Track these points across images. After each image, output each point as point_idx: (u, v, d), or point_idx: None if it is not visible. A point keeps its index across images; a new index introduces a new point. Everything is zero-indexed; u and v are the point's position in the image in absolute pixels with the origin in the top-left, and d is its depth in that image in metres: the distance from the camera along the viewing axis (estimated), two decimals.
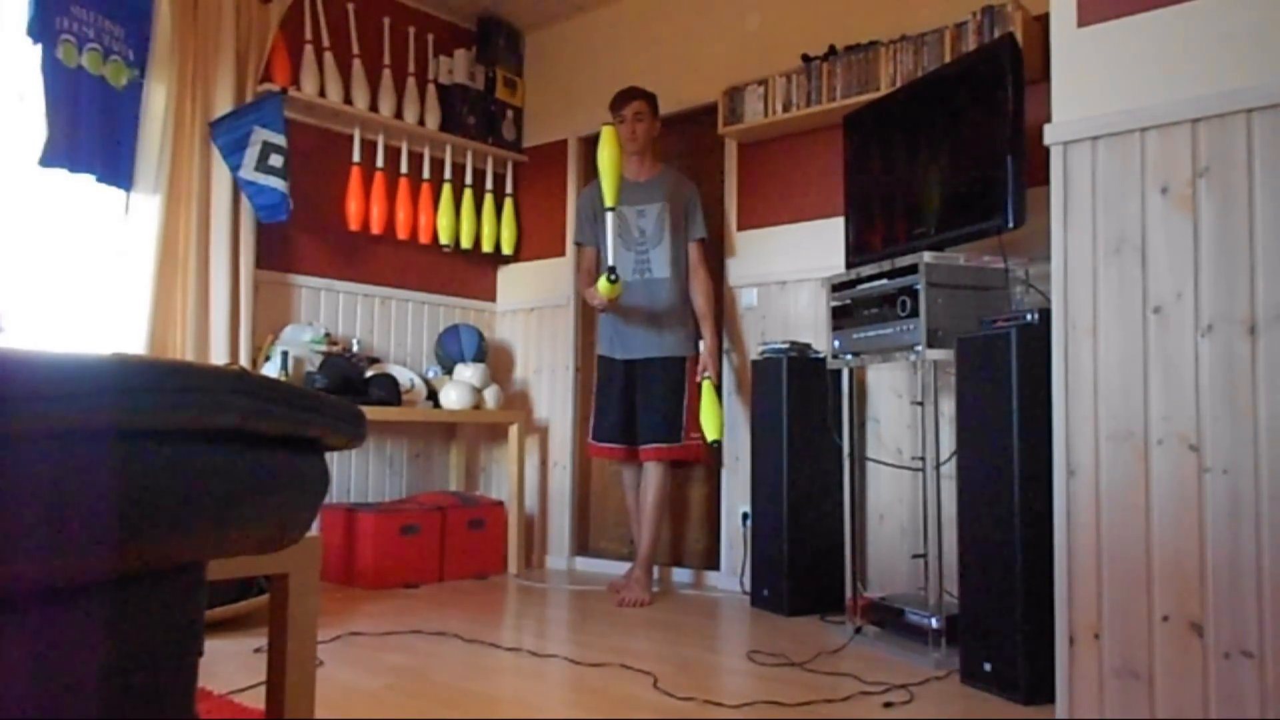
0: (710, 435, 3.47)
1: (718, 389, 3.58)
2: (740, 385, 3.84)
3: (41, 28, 3.16)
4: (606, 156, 3.41)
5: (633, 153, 3.70)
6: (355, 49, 4.20)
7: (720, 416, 3.51)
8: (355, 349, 4.12)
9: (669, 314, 3.66)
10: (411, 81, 4.38)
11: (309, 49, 4.01)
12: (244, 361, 3.68)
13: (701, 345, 3.62)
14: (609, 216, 3.49)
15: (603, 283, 3.47)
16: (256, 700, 2.09)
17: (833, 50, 3.50)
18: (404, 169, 4.33)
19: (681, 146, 4.25)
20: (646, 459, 3.63)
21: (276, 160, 3.66)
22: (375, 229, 4.14)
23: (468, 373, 4.25)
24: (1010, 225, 2.59)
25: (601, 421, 3.77)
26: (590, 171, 4.22)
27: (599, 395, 3.81)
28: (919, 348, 2.64)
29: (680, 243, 3.69)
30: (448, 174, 4.43)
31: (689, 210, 3.71)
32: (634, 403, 3.69)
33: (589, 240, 3.82)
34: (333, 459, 4.05)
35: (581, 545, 4.43)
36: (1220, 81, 1.93)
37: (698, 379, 3.59)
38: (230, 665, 2.43)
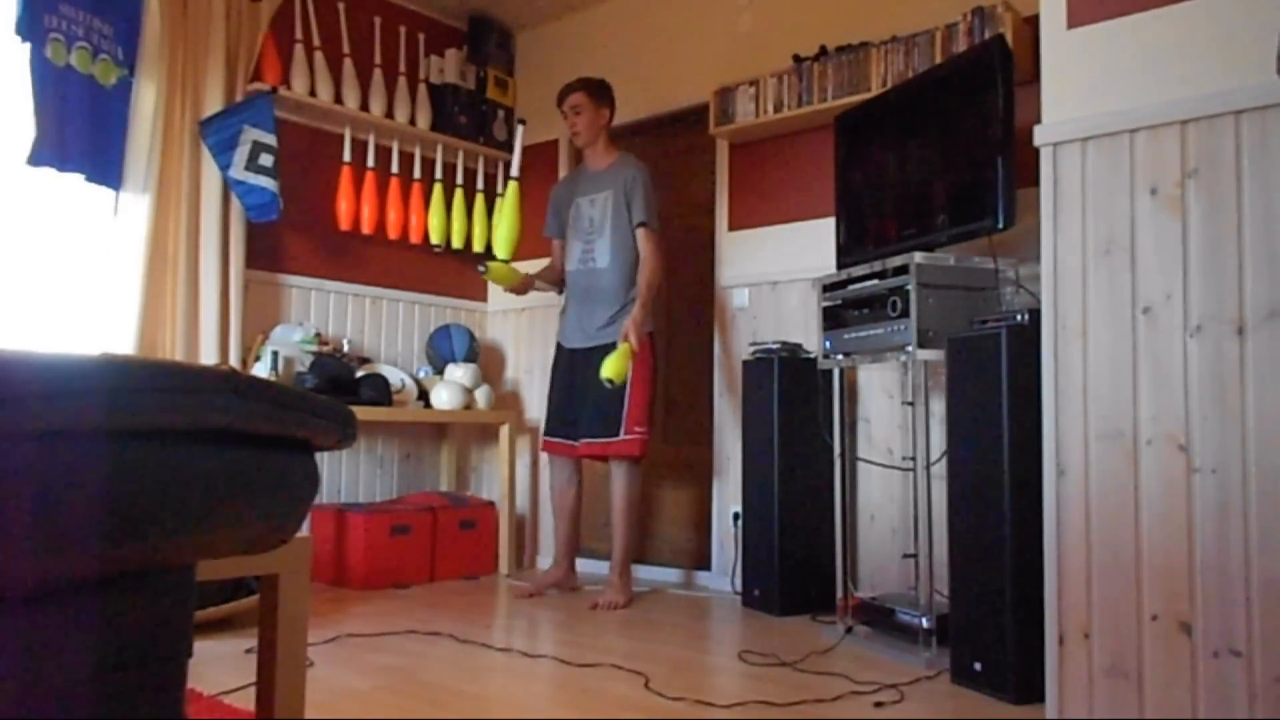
0: (604, 373, 3.24)
1: (637, 359, 3.41)
2: (729, 385, 3.85)
3: (30, 26, 3.14)
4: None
5: (582, 145, 3.72)
6: (346, 48, 4.19)
7: (619, 367, 3.24)
8: (346, 349, 4.11)
9: (609, 303, 3.57)
10: (402, 81, 4.36)
11: (299, 48, 4.00)
12: (234, 362, 3.67)
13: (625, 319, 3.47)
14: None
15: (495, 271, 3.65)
16: (246, 701, 2.08)
17: (824, 51, 3.51)
18: (395, 169, 4.33)
19: (672, 147, 4.25)
20: (585, 454, 3.54)
21: (266, 160, 3.65)
22: (366, 229, 4.14)
23: (459, 373, 4.25)
24: (1000, 226, 2.60)
25: (549, 415, 3.72)
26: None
27: (550, 385, 3.77)
28: (910, 348, 2.64)
29: (625, 231, 3.57)
30: (439, 174, 4.43)
31: (630, 195, 3.56)
32: (574, 394, 3.61)
33: (554, 233, 3.83)
34: (323, 459, 4.04)
35: None
36: (1209, 83, 1.94)
37: (618, 342, 3.40)
38: (220, 666, 2.42)
